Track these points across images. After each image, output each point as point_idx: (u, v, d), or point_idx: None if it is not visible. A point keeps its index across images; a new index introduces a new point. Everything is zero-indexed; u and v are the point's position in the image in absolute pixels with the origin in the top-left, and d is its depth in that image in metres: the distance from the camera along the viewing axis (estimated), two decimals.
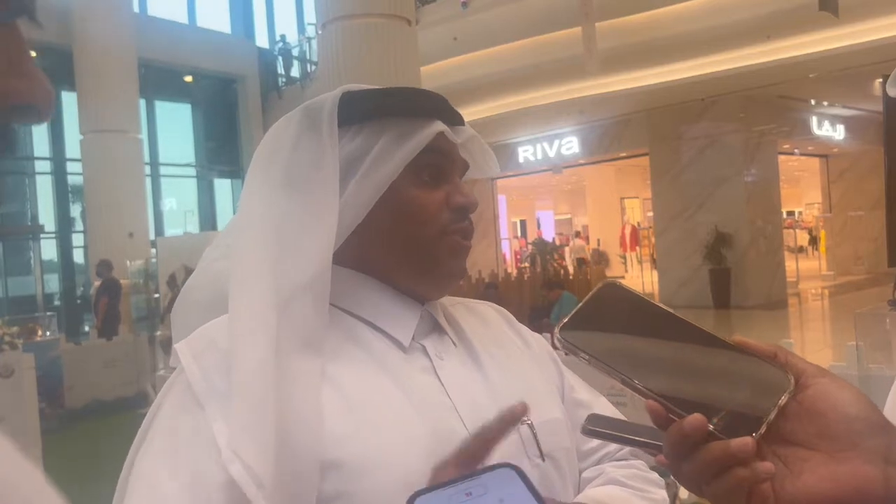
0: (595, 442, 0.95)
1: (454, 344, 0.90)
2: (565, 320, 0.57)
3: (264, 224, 0.81)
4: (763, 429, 0.49)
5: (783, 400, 0.50)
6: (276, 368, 0.72)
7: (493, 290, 9.25)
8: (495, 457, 0.79)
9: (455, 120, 0.91)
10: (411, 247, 0.86)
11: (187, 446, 0.71)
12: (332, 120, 0.83)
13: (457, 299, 1.01)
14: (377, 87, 0.89)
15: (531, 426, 0.83)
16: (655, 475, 0.96)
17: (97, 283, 9.73)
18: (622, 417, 1.00)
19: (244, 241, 0.81)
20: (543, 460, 0.83)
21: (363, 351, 0.82)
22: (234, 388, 0.70)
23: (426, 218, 0.86)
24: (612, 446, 0.97)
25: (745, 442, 0.48)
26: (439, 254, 0.87)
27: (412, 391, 0.80)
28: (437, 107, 0.88)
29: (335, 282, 0.81)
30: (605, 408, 1.00)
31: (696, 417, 0.50)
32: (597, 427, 0.70)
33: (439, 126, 0.86)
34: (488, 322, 0.98)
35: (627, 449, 0.98)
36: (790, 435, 0.50)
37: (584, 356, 0.55)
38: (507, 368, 0.89)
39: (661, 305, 0.57)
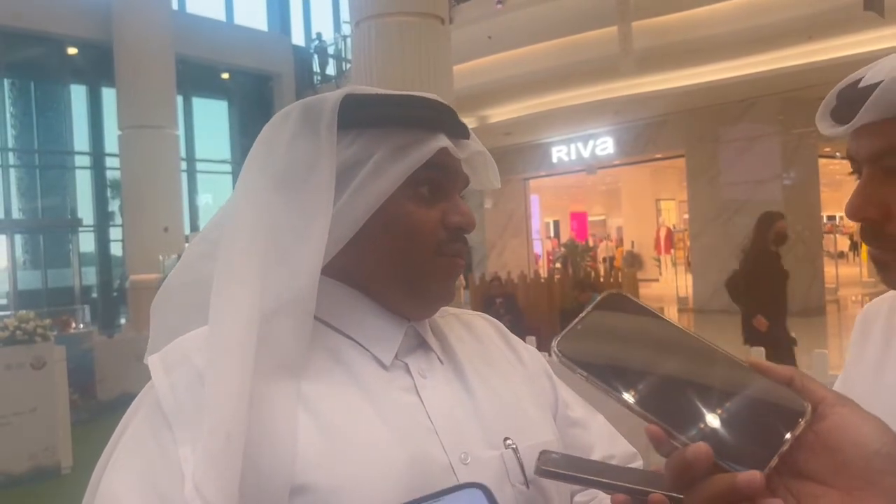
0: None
1: (440, 361, 0.85)
2: (563, 333, 0.53)
3: (254, 230, 0.78)
4: (774, 462, 0.45)
5: (798, 430, 0.46)
6: (251, 396, 0.68)
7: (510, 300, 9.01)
8: (477, 480, 0.76)
9: (460, 133, 0.86)
10: (401, 264, 0.82)
11: (154, 469, 0.69)
12: (332, 123, 0.79)
13: (450, 310, 0.97)
14: (382, 91, 0.84)
15: (515, 451, 0.79)
16: None
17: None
18: (619, 437, 0.96)
19: (232, 247, 0.77)
20: (528, 487, 0.79)
21: (342, 369, 0.78)
22: (206, 416, 0.67)
23: (420, 236, 0.81)
24: None
25: (753, 476, 0.44)
26: (430, 274, 0.83)
27: (391, 413, 0.76)
28: (441, 119, 0.83)
29: (322, 295, 0.77)
30: (602, 425, 0.96)
31: (700, 446, 0.46)
32: (551, 467, 0.66)
33: (442, 141, 0.81)
34: (480, 337, 0.94)
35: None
36: (804, 468, 0.46)
37: (581, 373, 0.51)
38: (495, 388, 0.85)
39: (669, 320, 0.53)
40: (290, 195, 0.78)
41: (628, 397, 0.49)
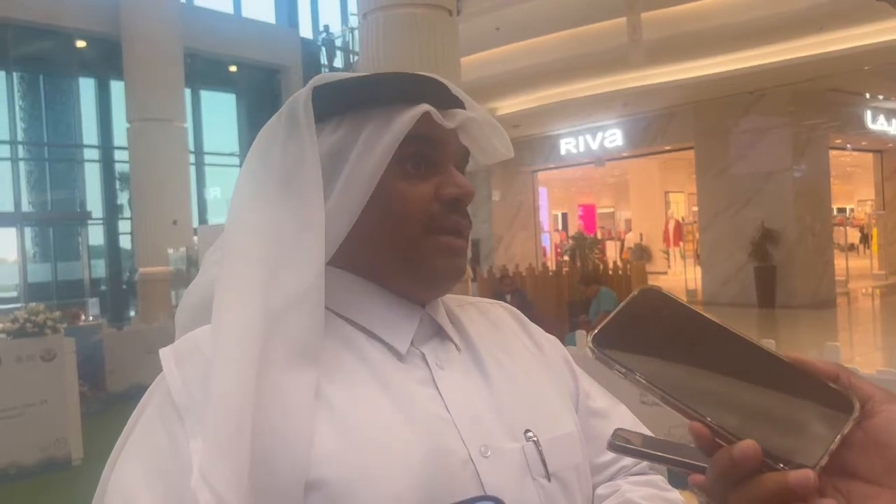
0: (610, 454, 0.89)
1: (458, 349, 0.84)
2: (598, 329, 0.52)
3: (253, 229, 0.77)
4: (825, 460, 0.44)
5: (847, 427, 0.44)
6: (256, 384, 0.67)
7: (519, 297, 8.93)
8: (497, 474, 0.75)
9: (448, 102, 0.83)
10: (398, 247, 0.80)
11: (165, 461, 0.68)
12: (308, 114, 0.79)
13: (468, 299, 0.95)
14: (355, 74, 0.84)
15: (537, 443, 0.78)
16: (676, 494, 0.90)
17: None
18: (643, 426, 0.94)
19: (233, 248, 0.77)
20: (549, 480, 0.77)
21: (357, 360, 0.77)
22: (210, 405, 0.66)
23: (410, 213, 0.79)
24: (629, 459, 0.90)
25: (806, 475, 0.43)
26: (427, 254, 0.80)
27: (408, 405, 0.74)
28: (423, 90, 0.80)
29: (330, 285, 0.76)
30: (624, 415, 0.94)
31: (748, 444, 0.44)
32: (624, 443, 0.65)
33: (424, 108, 0.78)
34: (498, 325, 0.92)
35: (646, 462, 0.91)
36: (853, 468, 0.45)
37: (619, 369, 0.49)
38: (514, 378, 0.83)
39: (707, 315, 0.51)
40: (286, 192, 0.78)
41: (669, 393, 0.48)
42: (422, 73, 0.84)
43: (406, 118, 0.77)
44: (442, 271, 0.82)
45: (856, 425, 0.45)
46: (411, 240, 0.80)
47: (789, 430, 0.45)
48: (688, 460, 0.56)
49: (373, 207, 0.78)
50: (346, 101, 0.80)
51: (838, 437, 0.44)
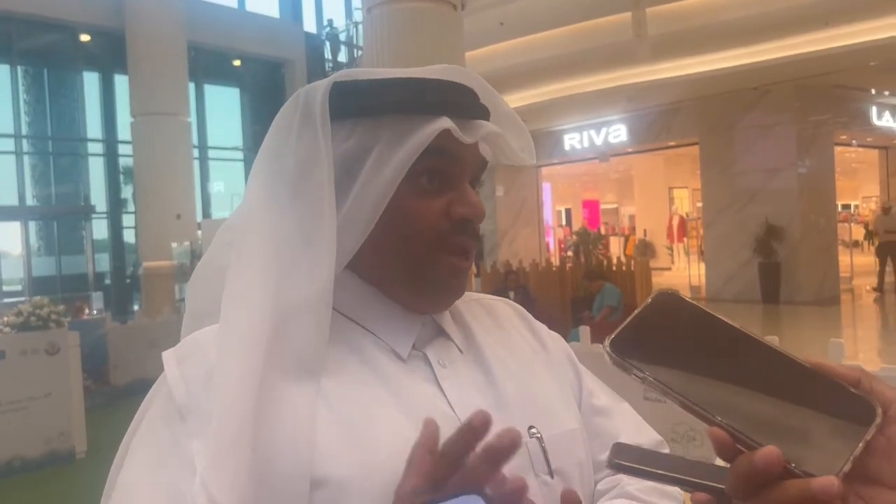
0: None
1: (460, 350, 0.84)
2: (615, 333, 0.51)
3: (265, 230, 0.76)
4: (848, 466, 0.43)
5: (870, 433, 0.44)
6: (261, 389, 0.68)
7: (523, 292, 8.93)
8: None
9: (470, 113, 0.80)
10: (402, 261, 0.79)
11: (167, 461, 0.69)
12: (325, 114, 0.75)
13: (473, 295, 0.95)
14: (377, 74, 0.79)
15: (540, 440, 0.78)
16: (676, 488, 0.90)
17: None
18: (646, 425, 0.94)
19: (244, 248, 0.76)
20: (552, 477, 0.77)
21: (361, 362, 0.77)
22: (214, 409, 0.66)
23: (419, 231, 0.78)
24: None
25: (829, 482, 0.42)
26: (431, 272, 0.80)
27: (411, 403, 0.74)
28: (444, 100, 0.77)
29: (340, 288, 0.77)
30: (627, 413, 0.94)
31: (770, 450, 0.43)
32: (624, 461, 0.64)
33: (444, 123, 0.75)
34: (502, 323, 0.92)
35: None
36: (875, 474, 0.44)
37: (637, 374, 0.49)
38: (517, 376, 0.83)
39: (726, 319, 0.51)
40: (299, 192, 0.77)
41: (689, 398, 0.47)
42: (456, 70, 0.81)
43: (422, 136, 0.75)
44: (443, 290, 0.82)
45: (878, 431, 0.44)
46: (417, 256, 0.79)
47: (811, 436, 0.44)
48: (688, 478, 0.55)
49: (382, 220, 0.77)
50: (362, 106, 0.77)
51: (861, 443, 0.44)
